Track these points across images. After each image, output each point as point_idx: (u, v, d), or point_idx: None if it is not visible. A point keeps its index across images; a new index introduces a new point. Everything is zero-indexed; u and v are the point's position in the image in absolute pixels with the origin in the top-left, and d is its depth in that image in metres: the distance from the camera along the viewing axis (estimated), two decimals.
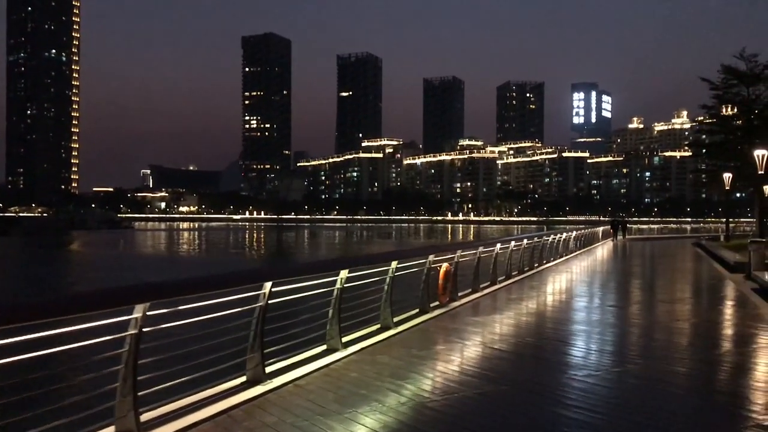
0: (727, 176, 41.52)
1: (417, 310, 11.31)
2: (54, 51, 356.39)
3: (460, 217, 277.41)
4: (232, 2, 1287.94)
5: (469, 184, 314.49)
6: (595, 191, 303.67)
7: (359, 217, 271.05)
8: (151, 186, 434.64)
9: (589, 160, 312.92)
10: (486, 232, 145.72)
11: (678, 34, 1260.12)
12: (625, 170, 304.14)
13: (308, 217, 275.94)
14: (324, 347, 8.09)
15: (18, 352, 4.22)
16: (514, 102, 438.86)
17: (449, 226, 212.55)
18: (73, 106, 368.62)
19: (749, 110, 47.71)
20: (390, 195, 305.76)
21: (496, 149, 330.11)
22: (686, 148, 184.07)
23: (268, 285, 6.57)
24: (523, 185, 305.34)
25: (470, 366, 7.67)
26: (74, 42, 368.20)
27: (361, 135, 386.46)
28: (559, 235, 26.47)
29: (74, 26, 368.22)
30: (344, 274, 8.13)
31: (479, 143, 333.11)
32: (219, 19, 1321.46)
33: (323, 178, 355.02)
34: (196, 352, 6.11)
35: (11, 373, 4.47)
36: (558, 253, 25.75)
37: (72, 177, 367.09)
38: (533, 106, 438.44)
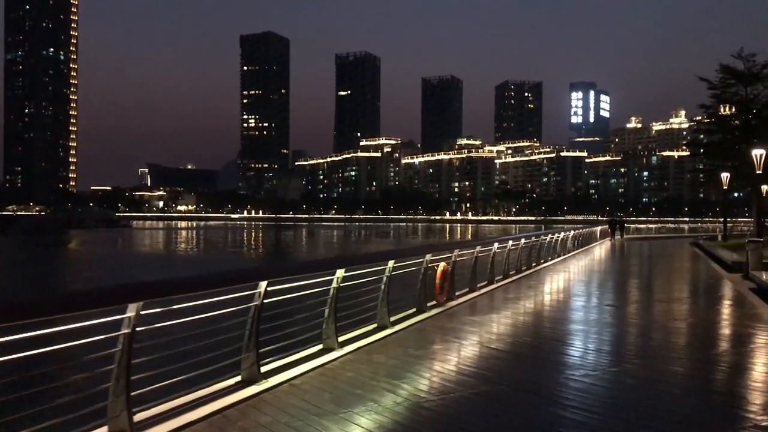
0: (725, 176, 41.58)
1: (414, 310, 11.28)
2: (52, 49, 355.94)
3: (458, 216, 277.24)
4: (230, 1, 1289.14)
5: (467, 183, 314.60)
6: (593, 191, 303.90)
7: (357, 216, 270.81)
8: (149, 185, 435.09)
9: (587, 160, 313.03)
10: (484, 232, 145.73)
11: (677, 34, 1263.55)
12: (623, 170, 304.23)
13: (306, 216, 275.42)
14: (320, 347, 8.05)
15: (9, 351, 4.17)
16: (512, 101, 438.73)
17: (447, 225, 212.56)
18: (71, 105, 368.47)
19: (747, 110, 47.68)
20: (388, 194, 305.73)
21: (494, 149, 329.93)
22: (684, 147, 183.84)
23: (263, 284, 6.53)
24: (521, 185, 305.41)
25: (467, 366, 7.64)
26: (72, 40, 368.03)
27: (359, 134, 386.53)
28: (556, 235, 26.49)
29: (72, 25, 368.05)
30: (340, 273, 8.09)
31: (477, 143, 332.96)
32: (217, 18, 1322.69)
33: (321, 177, 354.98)
34: (191, 351, 6.07)
35: (2, 372, 4.42)
36: (556, 253, 25.75)
37: (70, 176, 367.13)
38: (531, 106, 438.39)
